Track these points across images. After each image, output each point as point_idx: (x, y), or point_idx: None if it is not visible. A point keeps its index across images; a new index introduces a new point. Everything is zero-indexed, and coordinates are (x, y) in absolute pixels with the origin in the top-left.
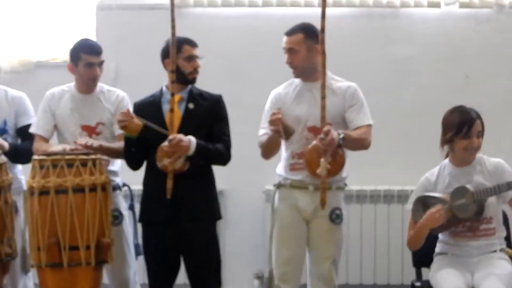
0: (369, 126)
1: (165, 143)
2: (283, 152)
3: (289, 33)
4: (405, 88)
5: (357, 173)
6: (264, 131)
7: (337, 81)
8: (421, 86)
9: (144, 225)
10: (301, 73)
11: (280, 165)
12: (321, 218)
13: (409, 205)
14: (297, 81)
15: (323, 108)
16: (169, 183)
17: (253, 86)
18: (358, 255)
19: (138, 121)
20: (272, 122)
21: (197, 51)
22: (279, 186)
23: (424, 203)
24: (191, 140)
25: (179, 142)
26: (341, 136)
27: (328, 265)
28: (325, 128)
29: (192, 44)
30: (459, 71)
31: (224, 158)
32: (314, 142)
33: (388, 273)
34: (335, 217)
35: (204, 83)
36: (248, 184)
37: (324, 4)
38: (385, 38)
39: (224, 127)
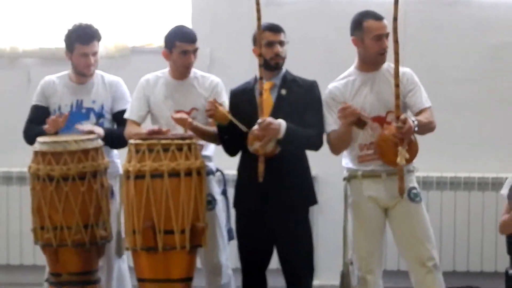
0: (430, 108)
1: (256, 127)
2: None
3: (382, 18)
4: (501, 76)
5: (452, 160)
6: (332, 127)
7: (393, 68)
8: None
9: (237, 211)
10: (372, 63)
11: (345, 159)
12: (400, 201)
13: (504, 190)
14: (354, 72)
15: (397, 96)
16: (261, 167)
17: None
18: (452, 242)
19: (224, 110)
20: (347, 116)
21: (281, 37)
22: (349, 178)
23: None
24: (281, 123)
25: (269, 125)
26: (415, 122)
27: (424, 245)
28: (403, 116)
29: (273, 29)
30: None
31: (315, 143)
32: (385, 131)
33: (481, 260)
34: (414, 196)
35: (299, 69)
36: (341, 169)
37: None
38: (481, 25)
39: (317, 113)
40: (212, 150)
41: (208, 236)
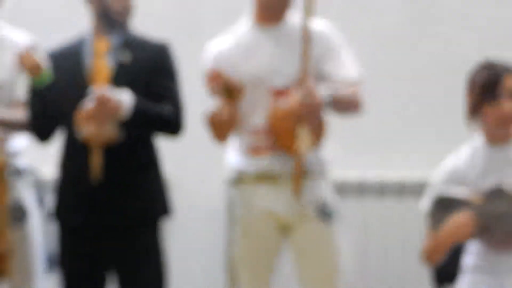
0: (358, 83)
1: (89, 103)
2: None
3: None
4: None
5: None
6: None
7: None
8: None
9: (60, 227)
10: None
11: (233, 153)
12: (309, 220)
13: (425, 204)
14: (245, 24)
15: (305, 55)
16: (96, 160)
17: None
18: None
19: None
20: (210, 82)
21: None
22: (236, 182)
23: (446, 205)
24: (124, 96)
25: (107, 98)
26: (329, 98)
27: (330, 283)
28: (309, 87)
29: None
30: None
31: (173, 123)
32: (284, 105)
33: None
34: (326, 212)
35: (148, 27)
36: (199, 171)
37: None
38: None
39: (171, 84)
40: (22, 143)
41: (16, 266)
